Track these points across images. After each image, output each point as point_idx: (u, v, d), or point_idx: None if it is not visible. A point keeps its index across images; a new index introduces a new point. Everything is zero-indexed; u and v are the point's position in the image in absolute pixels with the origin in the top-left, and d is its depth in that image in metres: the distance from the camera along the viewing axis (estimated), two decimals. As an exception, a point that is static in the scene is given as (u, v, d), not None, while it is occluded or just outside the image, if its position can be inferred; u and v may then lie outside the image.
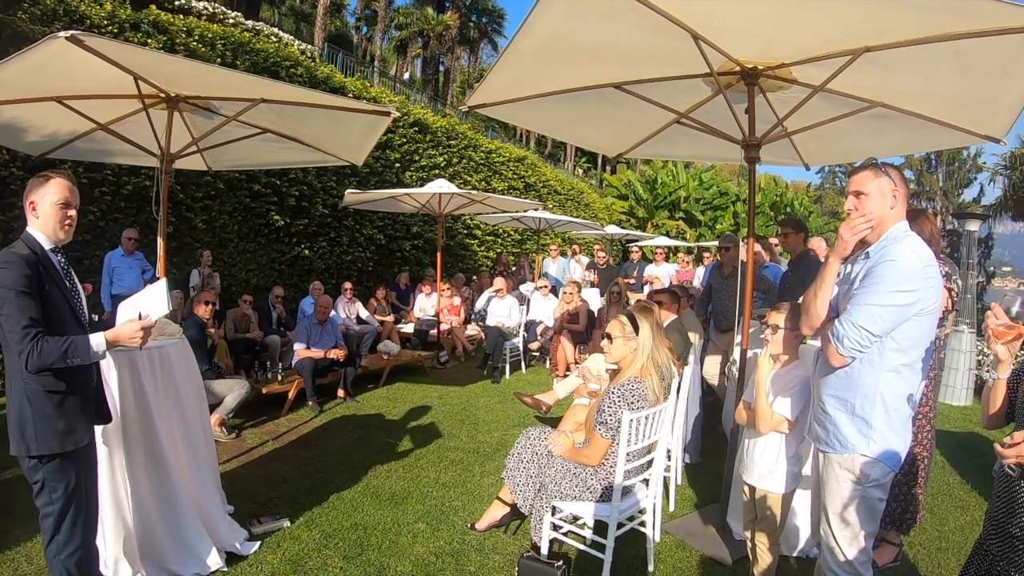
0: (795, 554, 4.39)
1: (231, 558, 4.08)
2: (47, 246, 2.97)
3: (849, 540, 2.86)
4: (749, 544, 3.86)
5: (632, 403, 3.80)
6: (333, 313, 9.16)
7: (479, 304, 11.25)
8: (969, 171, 31.15)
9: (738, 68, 4.18)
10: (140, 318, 3.02)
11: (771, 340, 3.50)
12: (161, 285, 3.24)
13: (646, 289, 13.63)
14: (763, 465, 3.52)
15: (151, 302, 3.17)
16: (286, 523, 4.58)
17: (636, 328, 3.98)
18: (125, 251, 7.68)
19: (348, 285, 10.81)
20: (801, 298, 3.19)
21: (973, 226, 10.88)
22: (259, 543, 4.29)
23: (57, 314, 2.92)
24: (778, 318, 3.49)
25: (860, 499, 2.83)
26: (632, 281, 13.64)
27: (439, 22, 43.21)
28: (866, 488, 2.81)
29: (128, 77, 4.25)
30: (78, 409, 2.99)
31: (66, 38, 3.40)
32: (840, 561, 2.89)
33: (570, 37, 3.81)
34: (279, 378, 7.71)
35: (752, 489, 3.64)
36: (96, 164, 7.81)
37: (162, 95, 4.72)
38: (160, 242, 5.06)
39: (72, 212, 3.04)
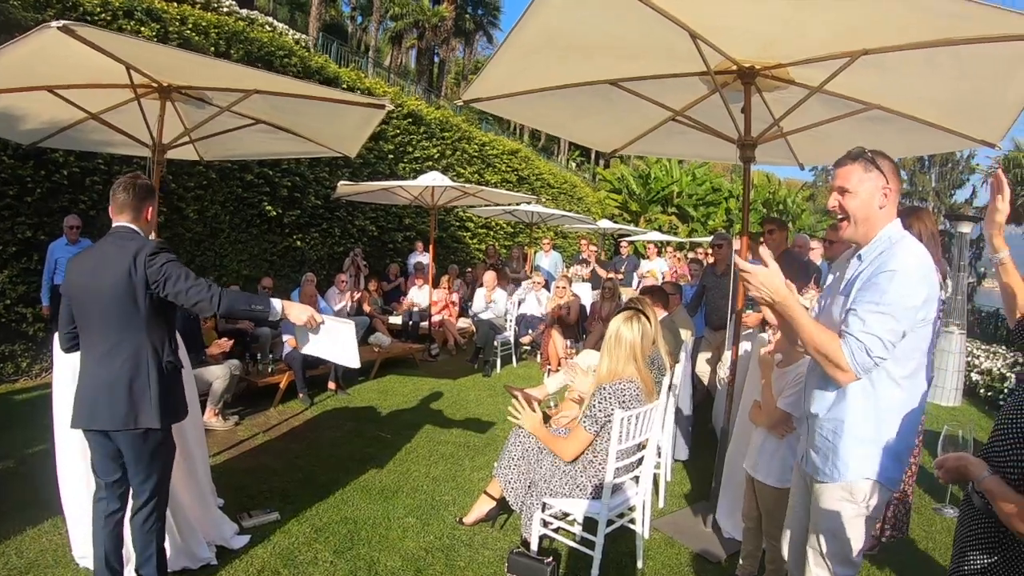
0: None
1: (221, 552, 4.06)
2: None
3: (841, 560, 2.67)
4: (745, 536, 3.89)
5: (624, 403, 3.80)
6: (324, 304, 9.12)
7: (475, 307, 11.23)
8: (962, 172, 31.21)
9: (735, 67, 4.17)
10: (320, 322, 3.51)
11: (774, 340, 3.52)
12: (350, 333, 3.65)
13: (634, 281, 13.65)
14: (767, 459, 3.53)
15: (337, 344, 3.65)
16: (276, 516, 4.58)
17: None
18: (69, 240, 7.51)
19: (343, 277, 10.76)
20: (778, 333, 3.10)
21: (965, 228, 10.93)
22: (249, 537, 4.27)
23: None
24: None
25: (859, 519, 2.62)
26: (621, 276, 13.65)
27: (434, 13, 42.95)
28: (868, 509, 2.60)
29: (120, 66, 4.22)
30: (182, 386, 3.39)
31: (58, 28, 3.37)
32: None
33: (567, 33, 3.80)
34: (269, 369, 7.69)
35: (753, 482, 3.65)
36: (88, 153, 7.77)
37: (154, 85, 4.69)
38: (152, 234, 5.02)
39: None
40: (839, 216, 2.67)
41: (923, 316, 2.47)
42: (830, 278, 2.93)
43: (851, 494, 2.59)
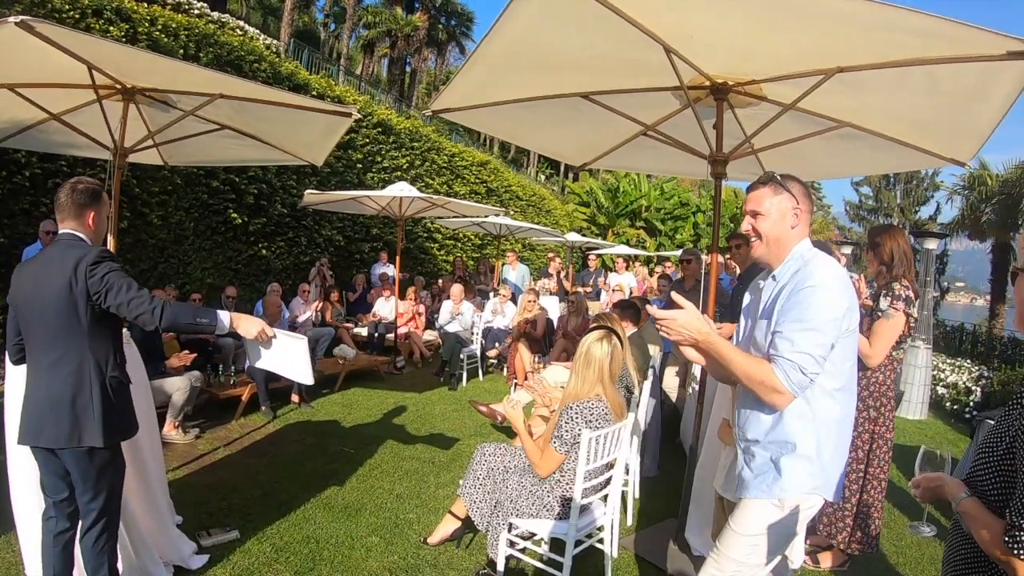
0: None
1: (179, 572, 3.94)
2: None
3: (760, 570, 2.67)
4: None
5: (591, 422, 3.75)
6: (288, 316, 8.99)
7: (441, 320, 11.15)
8: (927, 189, 31.87)
9: (708, 83, 4.14)
10: (270, 336, 3.39)
11: None
12: (303, 349, 3.53)
13: (603, 296, 13.65)
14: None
15: (288, 357, 3.53)
16: (236, 535, 4.44)
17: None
18: (44, 245, 7.34)
19: (306, 287, 10.61)
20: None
21: (931, 244, 11.13)
22: (208, 556, 4.13)
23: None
24: None
25: (795, 530, 2.63)
26: (589, 289, 13.64)
27: (408, 22, 42.91)
28: (799, 522, 2.61)
29: (82, 66, 4.11)
30: (130, 402, 3.24)
31: (15, 23, 3.27)
32: None
33: (539, 44, 3.74)
34: (231, 381, 7.53)
35: (723, 501, 3.60)
36: (51, 155, 7.57)
37: (117, 86, 4.56)
38: (111, 240, 4.89)
39: None
40: (752, 237, 2.70)
41: (847, 326, 2.49)
42: (746, 299, 2.94)
43: (782, 505, 2.57)
